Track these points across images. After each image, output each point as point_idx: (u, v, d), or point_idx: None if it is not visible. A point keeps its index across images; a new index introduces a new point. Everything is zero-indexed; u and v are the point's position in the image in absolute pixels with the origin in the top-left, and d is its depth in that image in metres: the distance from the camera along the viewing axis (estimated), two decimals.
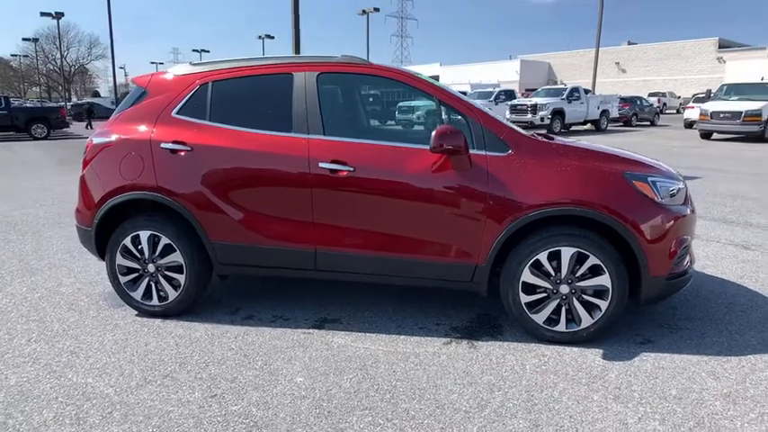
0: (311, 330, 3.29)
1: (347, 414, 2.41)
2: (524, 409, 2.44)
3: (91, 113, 28.21)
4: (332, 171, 3.11)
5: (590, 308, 3.02)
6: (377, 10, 37.44)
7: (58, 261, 4.74)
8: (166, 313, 3.46)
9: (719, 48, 44.17)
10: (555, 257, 2.98)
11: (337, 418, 2.38)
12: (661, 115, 30.12)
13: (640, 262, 2.91)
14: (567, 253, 2.95)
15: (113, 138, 3.41)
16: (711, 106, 17.69)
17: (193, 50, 72.85)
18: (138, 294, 3.47)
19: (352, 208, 3.13)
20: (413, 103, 14.12)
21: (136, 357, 2.95)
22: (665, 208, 2.98)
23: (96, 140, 3.47)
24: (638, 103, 26.90)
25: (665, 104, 37.20)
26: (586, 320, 3.02)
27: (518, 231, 2.98)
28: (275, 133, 3.22)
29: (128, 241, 3.40)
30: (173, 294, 3.42)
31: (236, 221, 3.26)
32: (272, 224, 3.24)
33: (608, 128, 23.51)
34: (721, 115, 17.16)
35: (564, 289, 3.01)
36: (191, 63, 3.56)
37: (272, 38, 50.91)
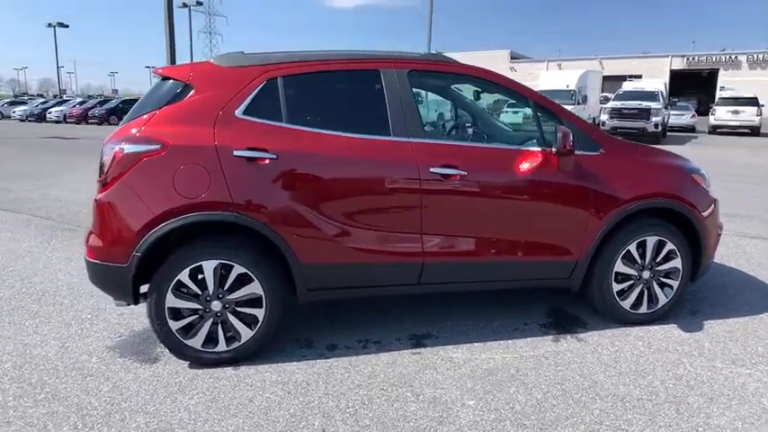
0: (419, 350, 3.03)
1: (560, 427, 2.31)
2: (686, 386, 2.64)
3: None
4: (443, 176, 2.90)
5: (663, 288, 3.38)
6: (200, 3, 34.82)
7: None
8: (236, 359, 2.83)
9: (511, 59, 51.77)
10: (640, 246, 3.25)
11: None
12: None
13: (702, 244, 3.36)
14: (651, 242, 3.25)
15: (158, 145, 2.64)
16: None
17: None
18: (197, 341, 2.76)
19: (463, 214, 2.97)
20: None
21: (259, 419, 2.36)
22: (711, 196, 3.49)
23: (129, 148, 2.65)
24: None
25: None
26: (662, 300, 3.36)
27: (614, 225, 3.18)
28: (373, 137, 2.88)
29: (184, 276, 2.68)
30: (246, 333, 2.81)
31: (332, 238, 2.82)
32: (375, 238, 2.89)
33: None
34: None
35: (646, 274, 3.31)
36: (243, 53, 2.95)
37: (67, 26, 43.13)
